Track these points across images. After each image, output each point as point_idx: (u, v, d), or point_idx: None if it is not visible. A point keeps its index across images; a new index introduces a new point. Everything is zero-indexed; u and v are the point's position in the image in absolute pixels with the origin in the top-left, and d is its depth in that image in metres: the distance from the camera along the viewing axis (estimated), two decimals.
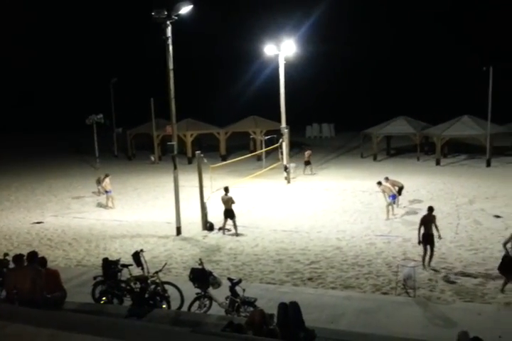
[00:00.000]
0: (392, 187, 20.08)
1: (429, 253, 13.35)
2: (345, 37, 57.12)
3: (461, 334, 7.05)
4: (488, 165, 29.65)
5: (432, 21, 56.81)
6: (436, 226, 13.42)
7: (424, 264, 13.29)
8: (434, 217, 13.53)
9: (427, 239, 13.30)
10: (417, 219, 18.41)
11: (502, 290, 11.56)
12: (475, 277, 12.57)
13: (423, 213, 18.96)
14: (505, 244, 11.77)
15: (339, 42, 55.23)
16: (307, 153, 30.34)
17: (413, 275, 11.69)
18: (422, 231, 13.32)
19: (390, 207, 18.83)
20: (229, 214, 17.38)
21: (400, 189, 20.63)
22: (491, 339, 8.71)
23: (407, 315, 10.50)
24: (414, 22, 58.29)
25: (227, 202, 17.44)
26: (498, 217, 18.34)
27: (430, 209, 13.62)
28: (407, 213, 19.41)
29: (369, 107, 50.56)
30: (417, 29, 57.93)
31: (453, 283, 12.26)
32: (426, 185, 24.63)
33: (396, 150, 37.46)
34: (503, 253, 14.27)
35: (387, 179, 20.93)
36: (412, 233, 16.73)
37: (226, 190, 17.64)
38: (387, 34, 57.79)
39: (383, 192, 19.12)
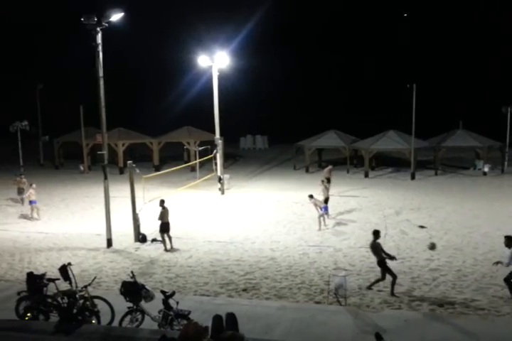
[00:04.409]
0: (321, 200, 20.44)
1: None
2: (277, 50, 58.29)
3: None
4: (413, 178, 31.10)
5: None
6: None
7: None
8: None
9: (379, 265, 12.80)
10: (347, 229, 19.11)
11: None
12: (401, 285, 13.08)
13: (353, 224, 19.78)
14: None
15: (271, 55, 56.30)
16: (327, 169, 25.79)
17: (344, 285, 12.02)
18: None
19: (322, 218, 19.28)
20: (166, 227, 16.82)
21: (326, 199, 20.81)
22: None
23: (339, 323, 10.77)
24: (345, 36, 60.41)
25: (166, 215, 16.95)
26: (422, 227, 19.27)
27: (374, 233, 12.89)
28: (338, 224, 19.94)
29: (301, 120, 51.68)
30: (347, 44, 60.24)
31: (381, 291, 12.70)
32: (355, 197, 25.46)
33: (327, 162, 38.48)
34: (428, 262, 15.08)
35: (311, 196, 20.12)
36: (343, 243, 17.25)
37: (163, 202, 17.03)
38: (316, 49, 59.62)
39: (315, 205, 19.53)
